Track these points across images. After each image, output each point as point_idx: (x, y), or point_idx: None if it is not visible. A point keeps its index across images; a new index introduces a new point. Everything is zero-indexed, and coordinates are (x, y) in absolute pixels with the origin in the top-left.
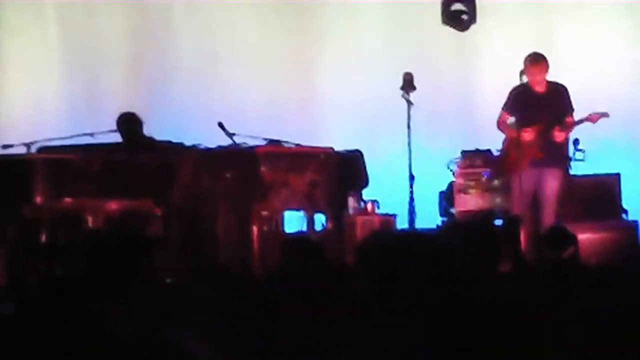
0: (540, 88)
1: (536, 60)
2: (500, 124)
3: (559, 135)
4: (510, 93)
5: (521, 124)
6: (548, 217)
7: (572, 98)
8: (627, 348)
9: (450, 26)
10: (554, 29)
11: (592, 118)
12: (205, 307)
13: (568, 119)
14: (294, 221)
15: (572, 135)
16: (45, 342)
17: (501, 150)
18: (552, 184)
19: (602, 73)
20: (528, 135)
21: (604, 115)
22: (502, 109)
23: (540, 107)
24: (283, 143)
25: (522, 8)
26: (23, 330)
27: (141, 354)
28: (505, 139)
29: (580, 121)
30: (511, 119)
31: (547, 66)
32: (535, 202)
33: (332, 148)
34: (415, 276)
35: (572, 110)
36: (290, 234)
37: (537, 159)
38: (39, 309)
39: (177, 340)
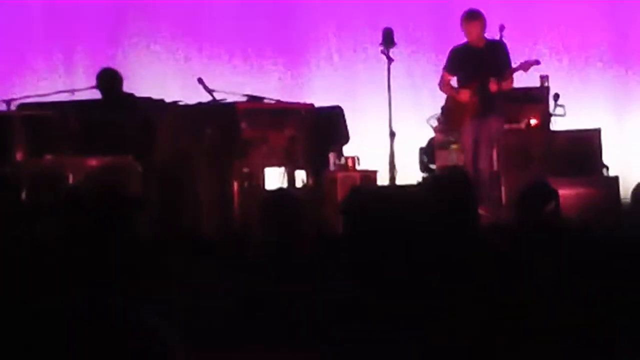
0: (477, 45)
1: (471, 17)
2: (442, 85)
3: (492, 86)
4: (449, 52)
5: (461, 82)
6: (482, 161)
7: (511, 54)
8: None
9: None
10: None
11: (524, 66)
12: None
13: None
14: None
15: (552, 90)
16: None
17: (443, 109)
18: (490, 126)
19: (583, 30)
20: (466, 93)
21: (536, 62)
22: (443, 69)
23: (478, 63)
24: (263, 99)
25: None
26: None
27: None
28: (447, 97)
29: (514, 70)
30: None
31: (483, 22)
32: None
33: (312, 104)
34: (396, 230)
35: (510, 65)
36: (270, 190)
37: (476, 113)
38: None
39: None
